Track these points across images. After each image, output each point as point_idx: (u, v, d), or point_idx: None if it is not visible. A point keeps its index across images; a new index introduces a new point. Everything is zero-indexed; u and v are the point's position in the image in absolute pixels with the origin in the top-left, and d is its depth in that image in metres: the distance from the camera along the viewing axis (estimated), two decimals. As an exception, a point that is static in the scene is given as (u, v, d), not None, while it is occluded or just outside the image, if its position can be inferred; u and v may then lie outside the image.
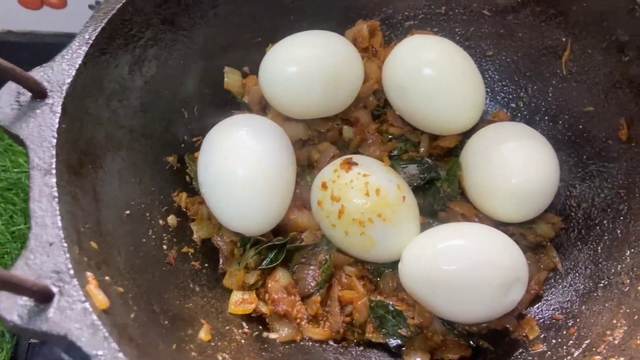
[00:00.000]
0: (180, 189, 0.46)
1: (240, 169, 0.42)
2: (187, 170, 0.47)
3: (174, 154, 0.46)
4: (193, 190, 0.47)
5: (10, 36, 0.77)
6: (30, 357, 0.54)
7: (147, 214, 0.41)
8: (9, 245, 0.68)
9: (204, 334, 0.38)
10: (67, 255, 0.30)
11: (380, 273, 0.45)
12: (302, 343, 0.42)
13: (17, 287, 0.27)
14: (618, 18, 0.45)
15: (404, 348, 0.43)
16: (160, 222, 0.43)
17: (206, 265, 0.44)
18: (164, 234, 0.42)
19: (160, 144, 0.45)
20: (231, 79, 0.51)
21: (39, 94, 0.35)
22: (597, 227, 0.46)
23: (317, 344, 0.43)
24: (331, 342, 0.44)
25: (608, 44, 0.46)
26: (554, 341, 0.41)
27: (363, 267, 0.45)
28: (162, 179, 0.44)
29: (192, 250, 0.44)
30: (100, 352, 0.27)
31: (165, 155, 0.46)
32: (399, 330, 0.42)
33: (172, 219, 0.44)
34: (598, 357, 0.37)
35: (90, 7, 0.72)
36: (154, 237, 0.41)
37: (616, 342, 0.38)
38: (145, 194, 0.42)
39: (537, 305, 0.45)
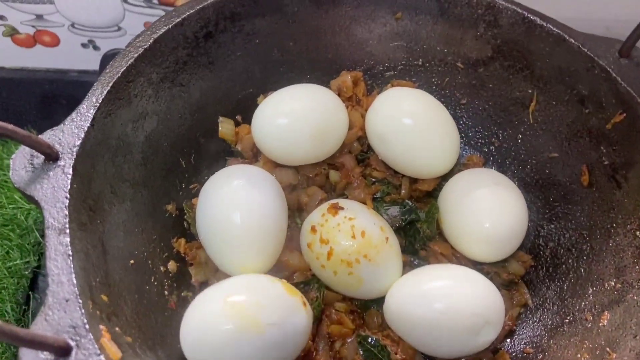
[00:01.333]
0: (179, 235, 0.49)
1: (236, 217, 0.46)
2: (185, 217, 0.50)
3: (173, 201, 0.50)
4: (191, 236, 0.50)
5: (3, 72, 0.80)
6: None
7: (150, 262, 0.44)
8: (6, 281, 0.69)
9: None
10: (82, 310, 0.33)
11: (367, 308, 0.49)
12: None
13: (40, 345, 0.30)
14: (578, 74, 0.49)
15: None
16: (162, 268, 0.46)
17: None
18: (165, 280, 0.45)
19: (159, 194, 0.48)
20: (225, 128, 0.54)
21: (51, 156, 0.39)
22: (563, 266, 0.50)
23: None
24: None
25: (570, 97, 0.51)
26: (525, 374, 0.45)
27: (351, 303, 0.49)
28: (162, 226, 0.48)
29: (190, 294, 0.47)
30: (115, 403, 0.30)
31: (164, 203, 0.49)
32: (383, 365, 0.46)
33: (172, 265, 0.47)
34: (564, 388, 0.41)
35: (83, 45, 0.75)
36: (156, 283, 0.44)
37: (581, 373, 0.42)
38: (147, 242, 0.45)
39: (510, 339, 0.49)
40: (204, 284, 0.48)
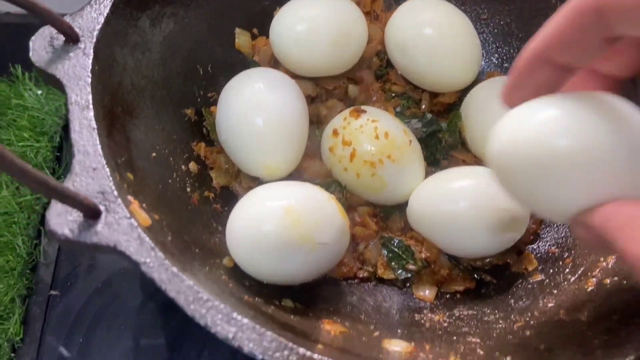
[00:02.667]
0: (198, 140, 0.48)
1: (259, 119, 0.45)
2: (204, 123, 0.49)
3: (192, 107, 0.49)
4: (210, 142, 0.49)
5: (9, 17, 0.78)
6: (48, 312, 0.55)
7: (171, 159, 0.44)
8: (17, 215, 0.69)
9: (227, 261, 0.40)
10: (110, 178, 0.32)
11: (390, 214, 0.48)
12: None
13: (71, 200, 0.29)
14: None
15: (412, 283, 0.46)
16: (183, 167, 0.45)
17: (226, 208, 0.46)
18: (187, 178, 0.45)
19: (178, 97, 0.47)
20: (242, 40, 0.53)
21: (71, 38, 0.38)
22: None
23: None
24: (343, 282, 0.46)
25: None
26: (551, 271, 0.44)
27: (374, 208, 0.48)
28: (181, 129, 0.47)
29: (212, 195, 0.46)
30: (148, 260, 0.30)
31: (183, 107, 0.48)
32: (407, 266, 0.45)
33: (193, 166, 0.46)
34: (593, 279, 0.41)
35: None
36: (178, 179, 0.43)
37: (609, 266, 0.41)
38: (167, 141, 0.44)
39: (534, 242, 0.48)
40: (225, 188, 0.48)
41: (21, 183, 0.26)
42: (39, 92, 0.75)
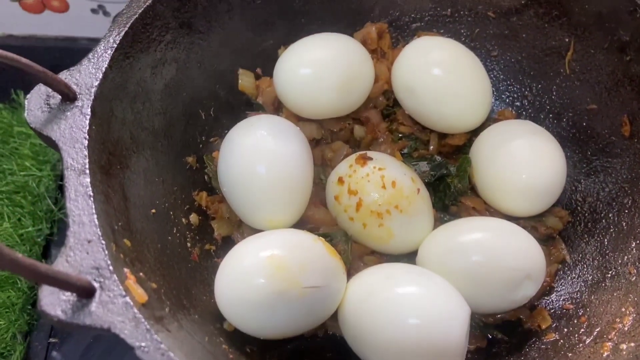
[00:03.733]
0: (199, 189, 0.47)
1: (261, 168, 0.43)
2: (206, 170, 0.48)
3: (193, 154, 0.48)
4: (212, 189, 0.48)
5: (12, 40, 0.78)
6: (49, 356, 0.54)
7: (171, 213, 0.43)
8: (18, 248, 0.68)
9: (227, 325, 0.39)
10: (106, 251, 0.31)
11: (397, 264, 0.47)
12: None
13: (63, 283, 0.28)
14: (619, 19, 0.46)
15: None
16: (183, 220, 0.44)
17: (228, 262, 0.45)
18: (187, 232, 0.43)
19: (179, 145, 0.46)
20: (245, 81, 0.52)
21: (68, 96, 0.36)
22: (603, 220, 0.48)
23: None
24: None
25: (610, 44, 0.48)
26: (565, 330, 0.43)
27: (381, 257, 0.47)
28: (182, 178, 0.46)
29: (214, 248, 0.45)
30: (143, 344, 0.28)
31: (184, 155, 0.47)
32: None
33: (194, 218, 0.45)
34: (609, 343, 0.39)
35: (93, 10, 0.73)
36: (178, 235, 0.42)
37: (626, 328, 0.39)
38: (168, 193, 0.43)
39: (548, 296, 0.46)
40: (227, 238, 0.47)
41: (11, 272, 0.25)
42: (42, 119, 0.74)
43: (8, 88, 0.74)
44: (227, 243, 0.46)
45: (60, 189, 0.70)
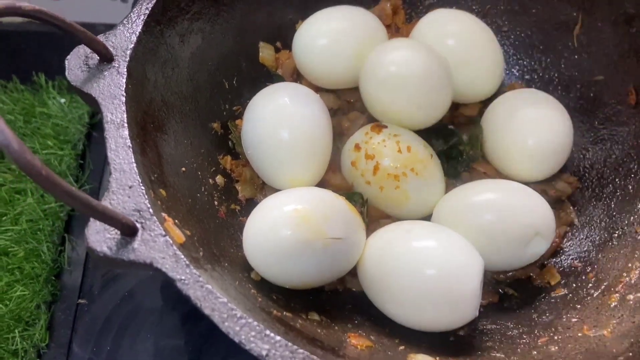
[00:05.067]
0: (224, 153, 0.49)
1: (284, 132, 0.46)
2: (230, 136, 0.50)
3: (218, 120, 0.50)
4: (236, 154, 0.50)
5: (32, 26, 0.80)
6: (77, 320, 0.56)
7: (199, 173, 0.45)
8: (42, 223, 0.70)
9: (254, 275, 0.41)
10: (146, 196, 0.33)
11: (412, 228, 0.49)
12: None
13: (111, 219, 0.30)
14: (626, -8, 0.49)
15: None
16: (210, 181, 0.46)
17: (252, 221, 0.47)
18: (214, 192, 0.46)
19: (205, 111, 0.48)
20: (266, 53, 0.54)
21: (106, 57, 0.39)
22: (610, 185, 0.50)
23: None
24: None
25: (617, 17, 0.50)
26: (574, 285, 0.45)
27: (396, 221, 0.49)
28: (209, 142, 0.48)
29: (238, 208, 0.47)
30: (183, 277, 0.31)
31: (210, 121, 0.49)
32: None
33: (219, 179, 0.47)
34: (616, 295, 0.41)
35: (112, -3, 0.75)
36: (206, 193, 0.44)
37: (632, 281, 0.41)
38: (196, 154, 0.45)
39: (557, 256, 0.48)
40: (250, 201, 0.49)
41: (66, 204, 0.27)
42: (62, 100, 0.76)
43: (30, 71, 0.76)
44: (251, 205, 0.48)
45: (81, 167, 0.72)
